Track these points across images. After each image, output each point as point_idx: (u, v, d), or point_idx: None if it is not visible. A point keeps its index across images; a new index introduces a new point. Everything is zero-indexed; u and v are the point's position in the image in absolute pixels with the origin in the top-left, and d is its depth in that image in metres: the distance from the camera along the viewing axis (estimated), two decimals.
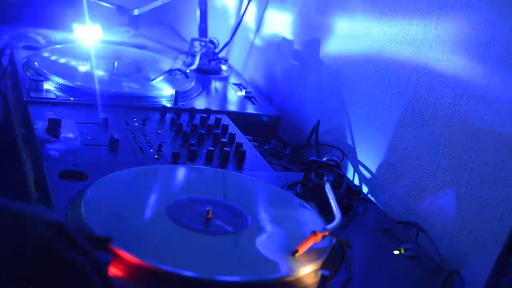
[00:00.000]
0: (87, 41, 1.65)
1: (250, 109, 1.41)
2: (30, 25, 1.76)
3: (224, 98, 1.49)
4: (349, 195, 1.00)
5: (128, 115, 1.23)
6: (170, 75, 1.46)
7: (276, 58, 1.60)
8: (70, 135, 1.08)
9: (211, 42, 1.70)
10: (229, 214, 0.87)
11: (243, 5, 1.76)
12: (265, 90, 1.63)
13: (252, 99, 1.46)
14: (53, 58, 1.46)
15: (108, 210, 0.84)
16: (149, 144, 1.11)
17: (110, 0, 1.81)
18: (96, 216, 0.79)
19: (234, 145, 1.16)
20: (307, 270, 0.76)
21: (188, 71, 1.51)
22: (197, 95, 1.43)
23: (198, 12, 1.97)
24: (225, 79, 1.62)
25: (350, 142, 1.23)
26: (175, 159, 1.06)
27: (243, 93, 1.49)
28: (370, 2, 1.19)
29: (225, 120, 1.29)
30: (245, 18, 1.75)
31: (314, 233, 0.80)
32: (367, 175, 1.17)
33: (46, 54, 1.48)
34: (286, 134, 1.43)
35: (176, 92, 1.32)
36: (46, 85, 1.27)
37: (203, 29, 1.98)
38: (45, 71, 1.33)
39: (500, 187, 0.87)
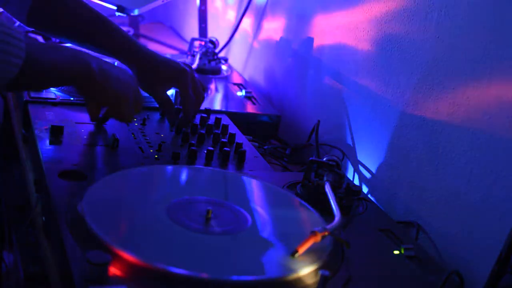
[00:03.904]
0: None
1: (250, 109, 1.41)
2: None
3: (224, 98, 1.49)
4: (349, 195, 1.00)
5: None
6: None
7: (276, 58, 1.60)
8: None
9: (211, 42, 1.70)
10: (229, 214, 0.87)
11: (243, 5, 1.76)
12: (265, 90, 1.63)
13: (252, 99, 1.46)
14: None
15: (108, 210, 0.84)
16: (149, 144, 1.11)
17: (110, 0, 1.81)
18: (96, 216, 0.79)
19: (234, 145, 1.16)
20: (307, 270, 0.76)
21: None
22: None
23: (198, 12, 1.97)
24: (225, 79, 1.62)
25: (350, 142, 1.23)
26: (175, 159, 1.06)
27: (243, 93, 1.49)
28: (369, 2, 1.19)
29: (225, 120, 1.28)
30: (245, 18, 1.75)
31: (313, 233, 0.80)
32: (367, 175, 1.17)
33: None
34: (286, 134, 1.43)
35: (176, 92, 1.32)
36: None
37: (203, 29, 1.98)
38: None
39: (500, 187, 0.87)
